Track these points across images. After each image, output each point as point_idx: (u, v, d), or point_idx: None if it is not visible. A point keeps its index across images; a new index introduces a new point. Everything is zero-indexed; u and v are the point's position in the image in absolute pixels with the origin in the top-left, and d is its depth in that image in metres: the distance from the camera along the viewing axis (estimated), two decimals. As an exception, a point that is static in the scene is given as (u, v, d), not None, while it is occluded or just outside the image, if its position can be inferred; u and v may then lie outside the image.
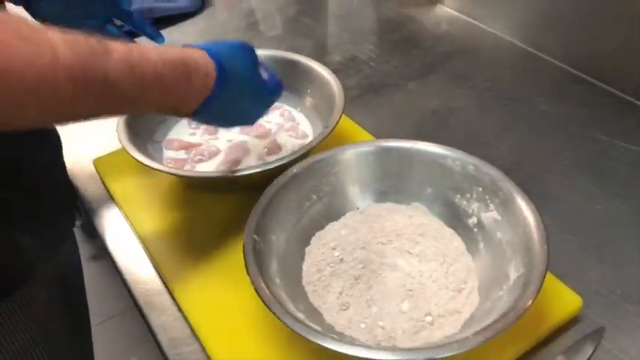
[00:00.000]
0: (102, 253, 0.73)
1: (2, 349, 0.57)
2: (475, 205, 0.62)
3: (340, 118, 0.71)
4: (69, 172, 0.79)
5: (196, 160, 0.75)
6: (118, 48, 0.44)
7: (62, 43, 0.39)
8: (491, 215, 0.60)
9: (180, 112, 0.55)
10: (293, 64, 0.82)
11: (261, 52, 0.85)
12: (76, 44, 0.41)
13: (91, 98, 0.43)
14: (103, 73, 0.42)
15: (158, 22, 1.13)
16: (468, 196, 0.62)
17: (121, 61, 0.44)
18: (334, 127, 0.70)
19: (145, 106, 0.50)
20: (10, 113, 0.38)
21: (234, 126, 0.72)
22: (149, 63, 0.47)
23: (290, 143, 0.77)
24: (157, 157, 0.74)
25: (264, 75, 0.64)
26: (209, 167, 0.74)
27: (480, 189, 0.61)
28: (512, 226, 0.57)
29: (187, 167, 0.74)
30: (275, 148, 0.76)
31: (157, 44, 0.80)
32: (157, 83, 0.49)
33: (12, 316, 0.57)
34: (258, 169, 0.66)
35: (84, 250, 0.76)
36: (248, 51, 0.61)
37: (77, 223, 0.80)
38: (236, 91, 0.58)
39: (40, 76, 0.38)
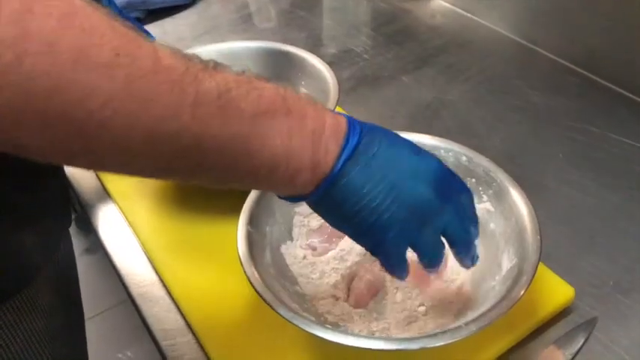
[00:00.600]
0: (96, 246, 0.73)
1: (6, 349, 0.57)
2: (468, 197, 0.62)
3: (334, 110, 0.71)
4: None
5: None
6: (226, 67, 0.37)
7: (160, 47, 0.33)
8: (484, 206, 0.60)
9: (319, 163, 0.40)
10: (287, 56, 0.82)
11: (255, 44, 0.86)
12: (174, 50, 0.34)
13: (200, 114, 0.34)
14: (215, 83, 0.35)
15: (151, 14, 1.12)
16: (462, 187, 0.62)
17: (234, 76, 0.36)
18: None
19: (269, 139, 0.37)
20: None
21: (362, 231, 0.44)
22: (268, 83, 0.38)
23: None
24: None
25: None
26: None
27: (473, 180, 0.61)
28: (505, 217, 0.57)
29: None
30: None
31: None
32: (281, 104, 0.38)
33: (17, 316, 0.57)
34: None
35: (78, 243, 0.76)
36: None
37: (72, 216, 0.79)
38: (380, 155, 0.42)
39: (141, 74, 0.31)
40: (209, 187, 0.70)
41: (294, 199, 0.43)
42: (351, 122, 0.42)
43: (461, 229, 0.47)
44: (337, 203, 0.42)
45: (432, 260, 0.46)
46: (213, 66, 0.36)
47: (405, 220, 0.42)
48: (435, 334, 0.47)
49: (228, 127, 0.35)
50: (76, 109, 0.30)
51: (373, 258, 0.57)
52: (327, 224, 0.60)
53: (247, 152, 0.37)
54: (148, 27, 1.10)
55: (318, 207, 0.44)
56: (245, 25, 1.11)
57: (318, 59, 0.80)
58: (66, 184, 0.72)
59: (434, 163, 0.45)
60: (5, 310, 0.54)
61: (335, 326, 0.53)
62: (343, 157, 0.40)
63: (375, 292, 0.56)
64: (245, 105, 0.36)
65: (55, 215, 0.61)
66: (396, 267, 0.46)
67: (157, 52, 0.33)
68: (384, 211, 0.42)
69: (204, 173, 0.38)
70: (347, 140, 0.41)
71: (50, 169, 0.60)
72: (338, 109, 0.73)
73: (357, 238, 0.45)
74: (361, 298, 0.55)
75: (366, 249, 0.46)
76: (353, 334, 0.50)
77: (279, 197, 0.45)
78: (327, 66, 0.78)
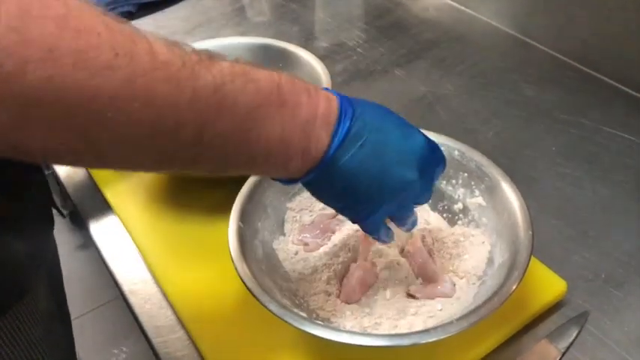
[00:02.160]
0: (89, 242, 0.72)
1: (6, 358, 0.56)
2: (461, 191, 0.62)
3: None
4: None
5: None
6: (221, 57, 0.37)
7: (155, 41, 0.33)
8: (476, 201, 0.60)
9: (310, 151, 0.42)
10: (279, 51, 0.82)
11: (247, 40, 0.85)
12: (168, 42, 0.34)
13: (198, 109, 0.35)
14: (211, 77, 0.35)
15: (143, 8, 1.11)
16: (454, 181, 0.62)
17: (230, 67, 0.37)
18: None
19: (265, 131, 0.39)
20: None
21: (366, 209, 0.47)
22: (264, 71, 0.39)
23: None
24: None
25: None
26: None
27: (466, 175, 0.61)
28: (498, 211, 0.57)
29: None
30: None
31: None
32: (276, 96, 0.39)
33: (16, 326, 0.56)
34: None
35: (73, 239, 0.75)
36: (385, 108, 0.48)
37: (65, 212, 0.79)
38: (373, 133, 0.43)
39: (139, 71, 0.32)
40: (200, 183, 0.70)
41: (288, 181, 0.45)
42: (343, 107, 0.43)
43: (428, 197, 0.50)
44: (327, 186, 0.45)
45: (409, 226, 0.52)
46: (208, 57, 0.37)
47: (390, 200, 0.46)
48: (427, 330, 0.47)
49: (225, 121, 0.36)
50: (80, 112, 0.30)
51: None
52: (320, 220, 0.60)
53: (244, 143, 0.39)
54: (140, 20, 1.09)
55: (309, 187, 0.46)
56: (238, 19, 1.10)
57: (311, 54, 0.79)
58: (45, 185, 0.72)
59: (419, 142, 0.47)
60: (4, 319, 0.53)
61: (327, 322, 0.53)
62: (333, 146, 0.42)
63: (367, 287, 0.55)
64: (242, 98, 0.37)
65: (34, 217, 0.60)
66: (379, 234, 0.50)
67: (152, 47, 0.33)
68: (372, 195, 0.45)
69: (203, 163, 0.39)
70: (337, 128, 0.42)
71: (29, 172, 0.59)
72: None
73: (343, 212, 0.49)
74: (353, 293, 0.55)
75: (350, 220, 0.49)
76: (344, 331, 0.50)
77: (272, 179, 0.47)
78: (319, 60, 0.78)
